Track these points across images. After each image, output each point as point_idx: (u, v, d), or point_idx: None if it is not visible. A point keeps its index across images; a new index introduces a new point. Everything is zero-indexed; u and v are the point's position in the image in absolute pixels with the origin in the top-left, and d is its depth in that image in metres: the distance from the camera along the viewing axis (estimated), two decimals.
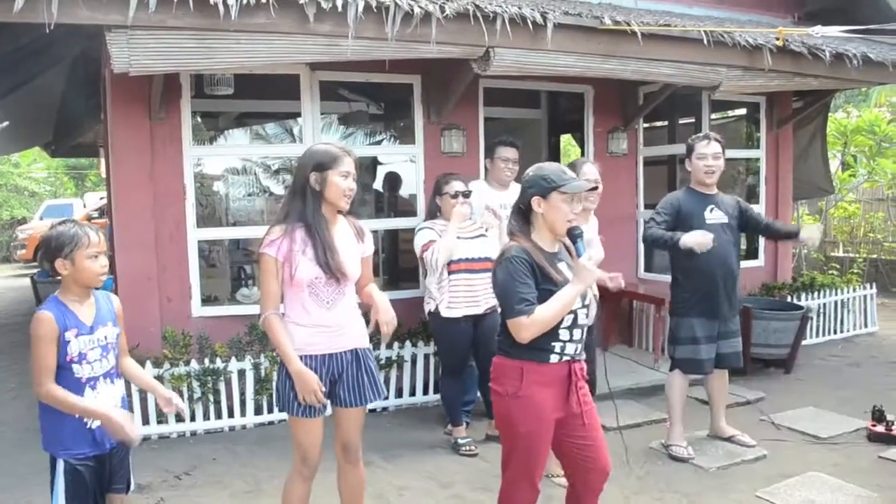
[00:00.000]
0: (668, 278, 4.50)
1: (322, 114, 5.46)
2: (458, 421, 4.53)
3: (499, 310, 2.76)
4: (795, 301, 6.70)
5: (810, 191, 8.34)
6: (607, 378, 3.59)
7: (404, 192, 6.73)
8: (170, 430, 4.68)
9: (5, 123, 8.78)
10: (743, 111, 8.04)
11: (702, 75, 5.46)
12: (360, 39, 4.20)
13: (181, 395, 4.67)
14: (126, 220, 4.87)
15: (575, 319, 2.67)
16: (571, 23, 4.77)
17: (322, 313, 2.82)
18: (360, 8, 4.08)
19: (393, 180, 6.90)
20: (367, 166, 7.20)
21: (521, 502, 2.77)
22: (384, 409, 5.17)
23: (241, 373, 4.82)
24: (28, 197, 21.25)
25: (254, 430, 4.85)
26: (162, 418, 4.65)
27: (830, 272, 9.16)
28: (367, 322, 2.97)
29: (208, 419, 4.78)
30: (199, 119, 6.58)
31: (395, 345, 5.16)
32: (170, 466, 4.20)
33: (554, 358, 2.65)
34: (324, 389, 2.78)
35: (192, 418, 4.73)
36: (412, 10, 4.19)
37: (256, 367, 4.84)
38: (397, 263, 6.71)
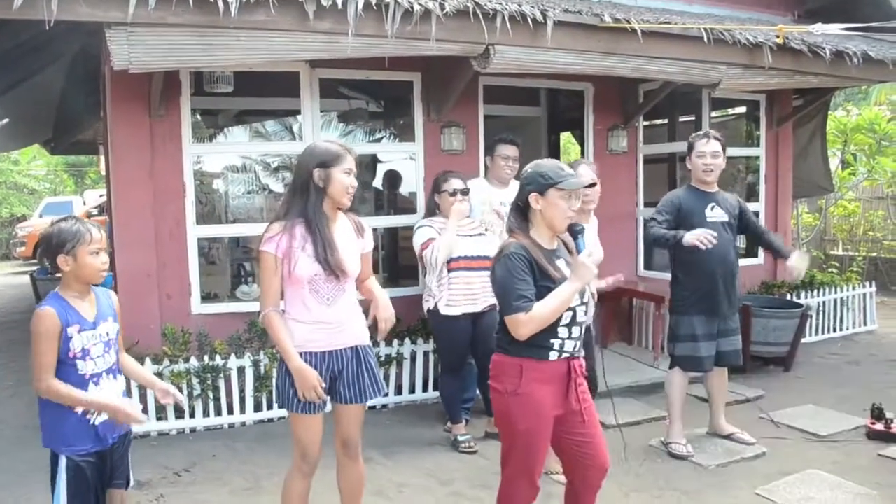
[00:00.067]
0: (667, 276, 4.50)
1: (322, 111, 5.46)
2: (458, 418, 4.53)
3: (497, 307, 2.77)
4: (795, 299, 6.71)
5: (810, 189, 8.34)
6: (605, 376, 3.60)
7: (404, 189, 6.73)
8: (169, 427, 4.68)
9: (5, 121, 8.78)
10: (743, 109, 8.04)
11: (702, 73, 5.46)
12: (360, 37, 4.20)
13: (181, 393, 4.67)
14: (126, 217, 4.87)
15: (574, 317, 2.67)
16: (571, 20, 4.77)
17: (322, 310, 2.82)
18: (360, 5, 4.08)
19: (393, 178, 6.89)
20: (367, 164, 7.19)
21: (521, 499, 2.77)
22: (384, 406, 5.17)
23: (241, 370, 4.82)
24: (27, 194, 21.23)
25: (253, 427, 4.85)
26: (161, 415, 4.66)
27: (830, 270, 9.17)
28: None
29: (208, 416, 4.79)
30: (198, 116, 6.57)
31: (395, 342, 5.17)
32: (169, 463, 4.20)
33: (553, 355, 2.65)
34: (324, 386, 2.78)
35: (192, 415, 4.74)
36: (412, 8, 4.19)
37: (256, 364, 4.84)
38: (397, 261, 6.70)
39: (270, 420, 4.91)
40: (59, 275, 2.56)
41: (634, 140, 6.66)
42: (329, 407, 2.93)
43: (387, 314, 2.93)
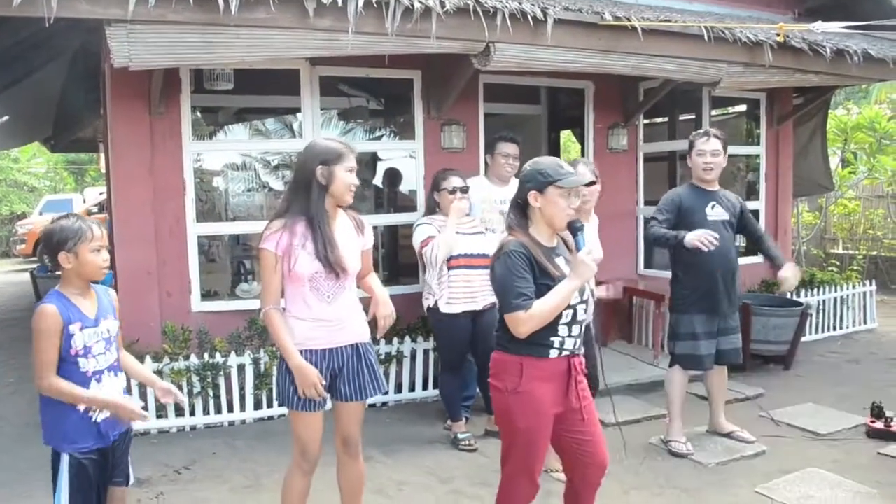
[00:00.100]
0: (667, 274, 4.50)
1: (322, 109, 5.46)
2: (458, 416, 4.53)
3: (497, 305, 2.76)
4: (795, 298, 6.71)
5: (810, 187, 8.34)
6: (603, 374, 3.60)
7: (404, 187, 6.73)
8: (169, 425, 4.68)
9: (5, 118, 8.77)
10: (743, 108, 8.04)
11: (702, 71, 5.45)
12: (360, 34, 4.20)
13: (181, 390, 4.68)
14: (126, 214, 4.86)
15: (574, 315, 2.67)
16: (572, 18, 4.76)
17: (323, 307, 2.82)
18: (361, 3, 4.08)
19: (393, 176, 6.89)
20: (367, 162, 7.19)
21: (521, 497, 2.78)
22: (384, 404, 5.17)
23: (241, 368, 4.82)
24: (27, 192, 21.23)
25: (253, 425, 4.85)
26: (161, 413, 4.66)
27: (830, 269, 9.17)
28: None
29: (208, 414, 4.79)
30: (198, 114, 6.56)
31: (395, 340, 5.17)
32: (169, 461, 4.20)
33: (553, 353, 2.65)
34: (324, 383, 2.78)
35: (192, 413, 4.74)
36: (412, 5, 4.18)
37: (256, 361, 4.84)
38: (397, 259, 6.70)
39: (270, 418, 4.91)
40: (59, 272, 2.56)
41: (635, 138, 6.66)
42: (329, 405, 2.93)
43: (386, 311, 2.93)
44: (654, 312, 6.10)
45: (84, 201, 17.50)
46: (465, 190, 4.48)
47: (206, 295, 5.24)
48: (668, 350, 4.42)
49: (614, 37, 4.95)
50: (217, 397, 4.79)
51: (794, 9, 7.13)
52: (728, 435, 4.44)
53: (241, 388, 4.84)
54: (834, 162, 10.51)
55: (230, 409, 4.84)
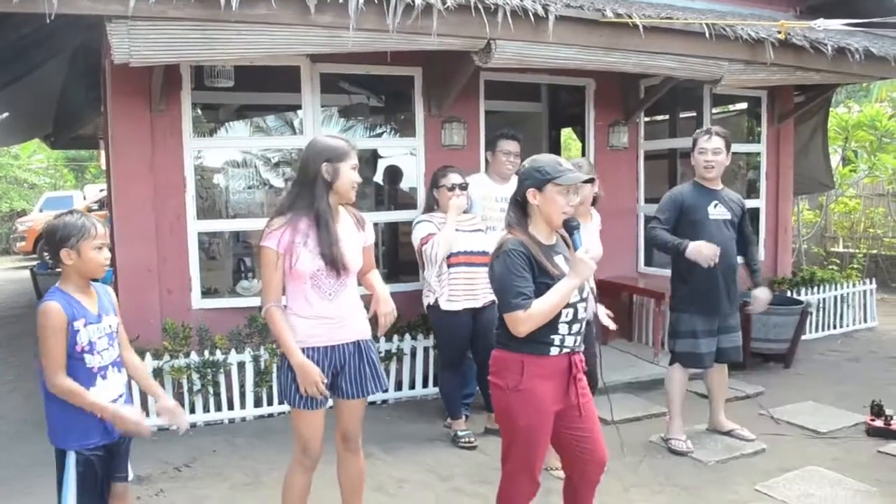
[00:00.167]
0: (668, 272, 4.50)
1: (322, 106, 5.45)
2: (458, 414, 4.53)
3: (497, 303, 2.76)
4: (795, 296, 6.71)
5: (811, 186, 8.34)
6: (602, 372, 3.60)
7: (405, 185, 6.72)
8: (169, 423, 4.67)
9: (5, 115, 8.76)
10: (744, 105, 8.02)
11: (703, 69, 5.44)
12: (361, 31, 4.19)
13: (181, 387, 4.69)
14: (126, 212, 4.86)
15: (575, 314, 2.67)
16: (573, 15, 4.75)
17: (324, 305, 2.82)
18: None
19: (393, 173, 6.89)
20: (368, 159, 7.19)
21: (521, 495, 2.78)
22: (384, 401, 5.17)
23: (241, 365, 4.82)
24: (28, 189, 21.22)
25: (253, 423, 4.86)
26: None
27: (830, 267, 9.16)
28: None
29: (208, 411, 4.79)
30: (199, 111, 6.56)
31: (395, 337, 5.17)
32: (170, 458, 4.20)
33: (554, 350, 2.65)
34: (325, 381, 2.78)
35: (192, 410, 4.74)
36: (413, 2, 4.18)
37: (256, 359, 4.84)
38: (397, 256, 6.70)
39: (270, 415, 4.91)
40: (59, 269, 2.55)
41: (635, 136, 6.65)
42: (330, 402, 2.93)
43: (387, 309, 2.93)
44: (655, 310, 6.10)
45: (84, 198, 17.48)
46: (463, 187, 4.47)
47: (207, 292, 5.24)
48: (669, 348, 4.42)
49: (615, 34, 4.94)
50: (217, 395, 4.79)
51: (796, 6, 7.12)
52: (728, 433, 4.44)
53: (242, 386, 4.84)
54: (835, 160, 10.52)
55: (230, 407, 4.84)
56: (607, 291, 5.11)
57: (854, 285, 7.53)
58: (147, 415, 4.18)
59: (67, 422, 2.48)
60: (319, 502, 3.29)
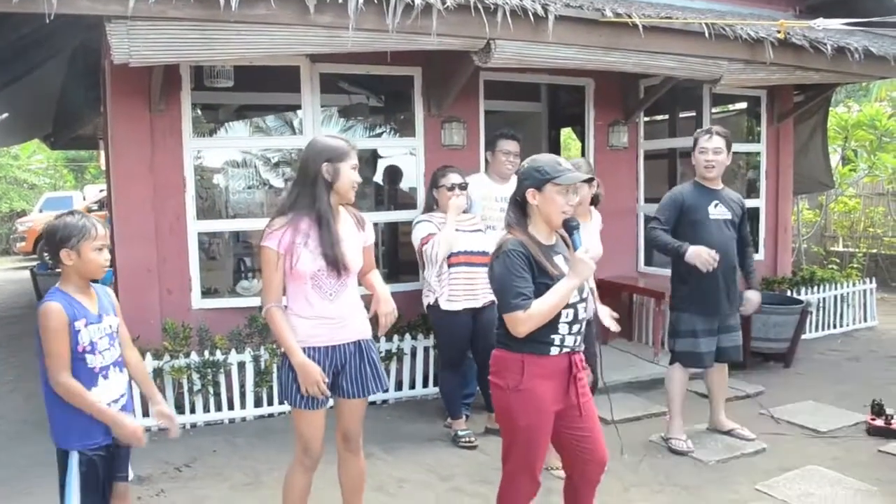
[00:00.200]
0: (668, 272, 4.50)
1: (322, 106, 5.45)
2: (458, 414, 4.53)
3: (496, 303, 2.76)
4: (795, 295, 6.71)
5: (811, 185, 8.34)
6: (602, 372, 3.60)
7: (404, 185, 6.72)
8: None
9: (5, 115, 8.76)
10: (744, 105, 8.02)
11: (703, 68, 5.44)
12: (360, 31, 4.19)
13: (181, 387, 4.69)
14: (126, 212, 4.86)
15: (575, 314, 2.67)
16: (573, 15, 4.75)
17: (325, 305, 2.82)
18: None
19: (393, 173, 6.89)
20: (367, 159, 7.19)
21: (522, 495, 2.78)
22: (384, 401, 5.17)
23: (241, 365, 4.82)
24: (27, 189, 21.22)
25: (253, 423, 4.86)
26: None
27: (830, 267, 9.16)
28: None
29: (208, 411, 4.79)
30: (199, 111, 6.56)
31: (395, 337, 5.16)
32: (170, 458, 4.20)
33: (554, 350, 2.65)
34: (326, 381, 2.78)
35: (192, 410, 4.74)
36: (413, 2, 4.18)
37: (256, 359, 4.84)
38: (397, 256, 6.70)
39: (271, 415, 4.91)
40: (59, 270, 2.56)
41: (635, 136, 6.65)
42: (331, 402, 2.93)
43: (388, 309, 2.93)
44: (655, 310, 6.10)
45: (84, 199, 17.49)
46: (463, 187, 4.47)
47: (207, 292, 5.24)
48: (669, 348, 4.42)
49: (615, 33, 4.94)
50: (217, 395, 4.79)
51: (796, 6, 7.12)
52: (728, 432, 4.44)
53: (242, 386, 4.84)
54: (834, 160, 10.52)
55: (230, 407, 4.84)
56: (607, 291, 5.10)
57: (854, 285, 7.53)
58: (146, 415, 4.20)
59: (70, 422, 2.48)
60: (320, 502, 3.29)
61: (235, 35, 4.06)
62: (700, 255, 3.98)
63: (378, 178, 7.30)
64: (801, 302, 6.29)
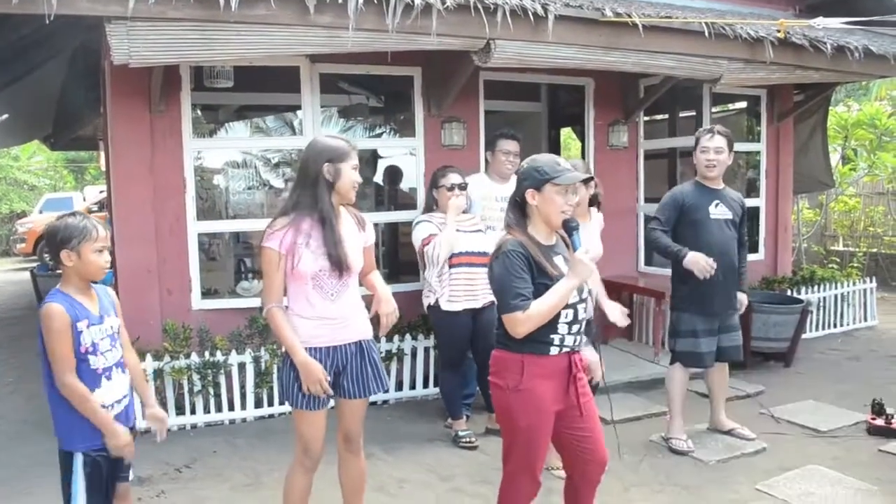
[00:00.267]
0: (668, 272, 4.50)
1: (322, 106, 5.45)
2: (458, 414, 4.53)
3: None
4: (795, 295, 6.71)
5: (811, 184, 8.34)
6: (603, 372, 3.60)
7: (405, 185, 6.72)
8: (170, 424, 4.64)
9: (4, 116, 8.76)
10: (744, 104, 8.02)
11: (703, 68, 5.44)
12: (360, 31, 4.19)
13: (181, 388, 4.69)
14: (126, 213, 4.86)
15: (575, 315, 2.67)
16: (572, 14, 4.75)
17: (326, 305, 2.82)
18: None
19: (393, 173, 6.89)
20: (367, 159, 7.19)
21: (523, 495, 2.78)
22: (384, 401, 5.17)
23: (242, 366, 4.82)
24: (27, 190, 21.21)
25: (254, 424, 4.85)
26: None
27: (830, 266, 9.16)
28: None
29: (208, 412, 4.79)
30: (199, 112, 6.56)
31: (395, 338, 5.16)
32: (170, 459, 4.20)
33: (554, 350, 2.65)
34: (329, 379, 2.78)
35: (192, 411, 4.74)
36: (413, 2, 4.17)
37: (257, 360, 4.84)
38: (397, 256, 6.70)
39: (271, 416, 4.90)
40: (59, 271, 2.56)
41: (635, 135, 6.65)
42: (331, 403, 2.93)
43: (389, 309, 2.94)
44: (655, 310, 6.10)
45: (84, 199, 17.48)
46: (463, 187, 4.47)
47: (207, 293, 5.24)
48: (669, 347, 4.42)
49: (615, 33, 4.94)
50: (217, 395, 4.79)
51: (795, 5, 7.12)
52: (729, 432, 4.44)
53: (242, 387, 4.84)
54: (834, 159, 10.51)
55: (231, 408, 4.83)
56: (608, 291, 5.08)
57: (854, 284, 7.53)
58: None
59: (74, 424, 2.48)
60: (320, 503, 3.29)
61: (235, 35, 4.06)
62: (698, 263, 4.00)
63: (378, 178, 7.30)
64: (801, 301, 6.29)
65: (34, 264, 12.53)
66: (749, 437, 4.36)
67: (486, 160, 5.06)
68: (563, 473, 2.93)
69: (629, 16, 4.89)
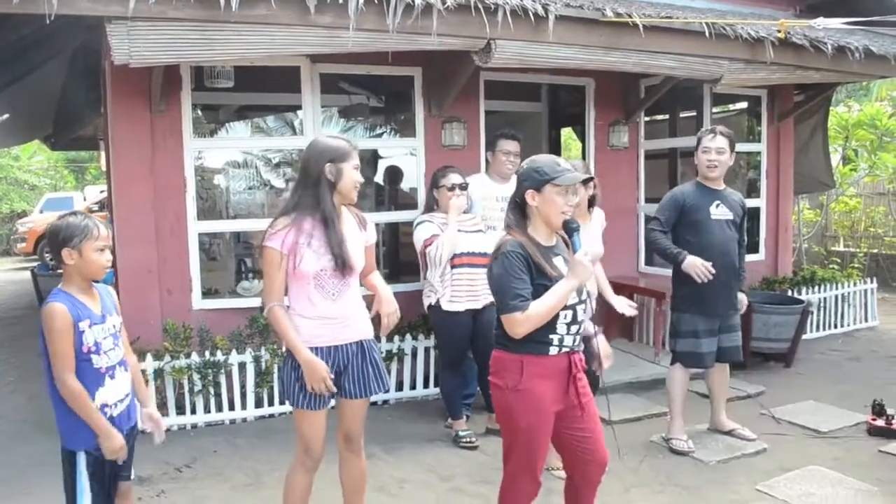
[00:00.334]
0: (668, 272, 4.50)
1: (322, 106, 5.45)
2: (458, 414, 4.53)
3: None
4: (796, 295, 6.70)
5: (811, 185, 8.33)
6: (602, 373, 3.60)
7: (405, 185, 6.72)
8: (170, 423, 4.66)
9: (5, 116, 8.76)
10: (744, 105, 8.02)
11: (704, 68, 5.44)
12: (360, 31, 4.19)
13: (182, 388, 4.69)
14: (126, 213, 4.86)
15: (574, 316, 2.67)
16: (573, 14, 4.75)
17: (327, 305, 2.82)
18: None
19: (394, 174, 6.89)
20: (368, 159, 7.19)
21: (523, 495, 2.77)
22: (385, 401, 5.17)
23: (242, 365, 4.82)
24: (28, 190, 21.22)
25: (254, 423, 4.85)
26: (162, 411, 4.63)
27: (831, 266, 9.16)
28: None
29: (209, 412, 4.79)
30: (199, 112, 6.56)
31: (396, 338, 5.16)
32: (170, 459, 4.20)
33: (553, 350, 2.65)
34: (332, 377, 2.79)
35: (193, 411, 4.74)
36: (413, 2, 4.18)
37: (257, 359, 4.84)
38: (398, 256, 6.70)
39: (271, 416, 4.90)
40: (60, 270, 2.56)
41: (636, 135, 6.65)
42: (332, 402, 2.93)
43: (390, 310, 2.94)
44: (655, 310, 6.10)
45: (84, 199, 17.49)
46: (463, 187, 4.47)
47: (207, 293, 5.24)
48: (670, 348, 4.42)
49: (615, 33, 4.94)
50: (218, 395, 4.79)
51: (796, 5, 7.12)
52: (729, 433, 4.44)
53: (242, 386, 4.84)
54: (835, 159, 10.51)
55: (231, 407, 4.83)
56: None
57: (855, 284, 7.52)
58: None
59: (77, 423, 2.48)
60: (321, 503, 3.29)
61: (236, 35, 4.06)
62: (696, 267, 4.01)
63: (378, 178, 7.30)
64: (801, 302, 6.29)
65: (35, 264, 12.54)
66: (749, 438, 4.36)
67: (487, 160, 5.06)
68: (563, 474, 2.93)
69: (630, 16, 4.89)
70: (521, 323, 2.55)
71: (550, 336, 2.63)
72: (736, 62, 5.49)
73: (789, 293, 6.76)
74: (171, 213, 4.93)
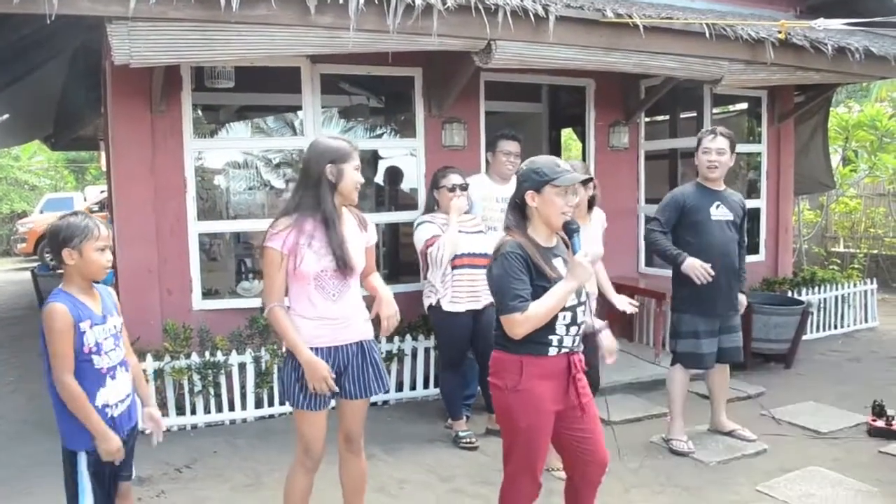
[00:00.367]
0: (668, 273, 4.49)
1: (323, 107, 5.45)
2: (458, 415, 4.53)
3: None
4: (796, 296, 6.70)
5: (811, 186, 8.34)
6: (602, 373, 3.62)
7: (405, 185, 6.72)
8: (170, 424, 4.66)
9: (5, 116, 8.76)
10: (744, 105, 8.02)
11: (704, 69, 5.44)
12: (361, 31, 4.19)
13: (182, 388, 4.69)
14: (127, 213, 4.86)
15: (574, 317, 2.67)
16: (573, 15, 4.75)
17: (328, 306, 2.82)
18: (362, 0, 4.07)
19: (394, 174, 6.89)
20: (368, 160, 7.19)
21: (523, 496, 2.77)
22: (385, 402, 5.17)
23: (242, 366, 4.82)
24: (28, 190, 21.22)
25: (254, 424, 4.85)
26: (162, 411, 4.63)
27: (831, 267, 9.16)
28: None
29: (209, 412, 4.78)
30: (199, 112, 6.57)
31: (396, 338, 5.16)
32: (170, 459, 4.20)
33: (552, 351, 2.65)
34: (333, 376, 2.79)
35: (193, 411, 4.74)
36: (413, 2, 4.18)
37: (257, 360, 4.84)
38: (398, 257, 6.71)
39: (271, 416, 4.90)
40: (61, 270, 2.56)
41: (636, 136, 6.65)
42: (332, 403, 2.93)
43: (390, 311, 2.94)
44: (655, 311, 6.10)
45: (85, 200, 17.48)
46: (464, 187, 4.47)
47: (207, 293, 5.24)
48: (670, 348, 4.42)
49: (616, 34, 4.94)
50: (218, 396, 4.79)
51: (796, 6, 7.12)
52: (729, 433, 4.44)
53: (243, 387, 4.84)
54: (835, 160, 10.51)
55: (231, 408, 4.83)
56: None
57: (855, 285, 7.53)
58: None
59: (77, 423, 2.48)
60: (321, 503, 3.29)
61: (236, 36, 4.06)
62: (695, 268, 4.01)
63: (379, 178, 7.31)
64: (801, 303, 6.29)
65: (35, 264, 12.55)
66: (750, 439, 4.36)
67: (487, 161, 5.06)
68: (563, 474, 2.93)
69: (630, 17, 4.89)
70: (520, 324, 2.55)
71: (550, 337, 2.63)
72: (736, 63, 5.49)
73: (789, 294, 6.76)
74: (171, 213, 4.93)
